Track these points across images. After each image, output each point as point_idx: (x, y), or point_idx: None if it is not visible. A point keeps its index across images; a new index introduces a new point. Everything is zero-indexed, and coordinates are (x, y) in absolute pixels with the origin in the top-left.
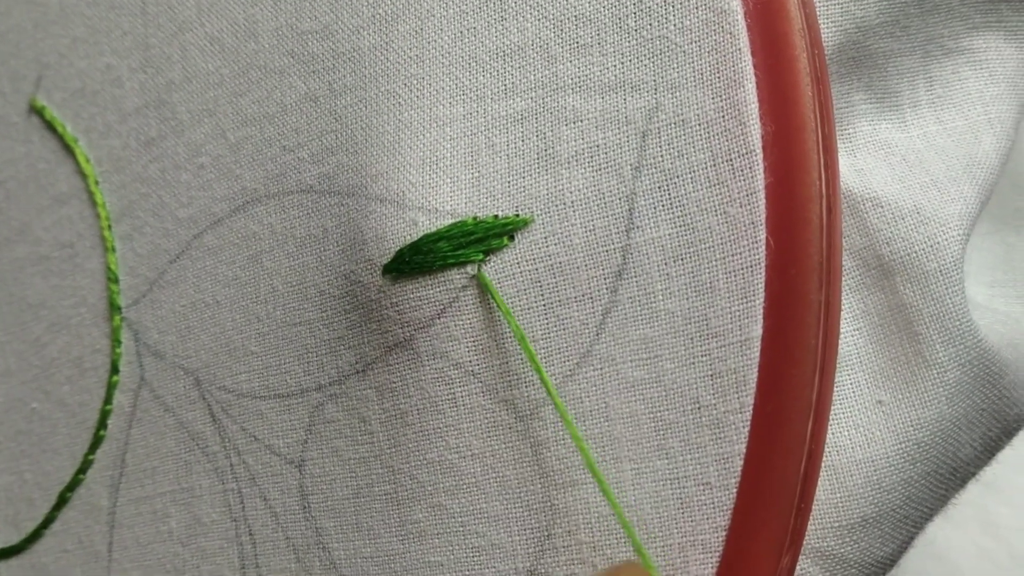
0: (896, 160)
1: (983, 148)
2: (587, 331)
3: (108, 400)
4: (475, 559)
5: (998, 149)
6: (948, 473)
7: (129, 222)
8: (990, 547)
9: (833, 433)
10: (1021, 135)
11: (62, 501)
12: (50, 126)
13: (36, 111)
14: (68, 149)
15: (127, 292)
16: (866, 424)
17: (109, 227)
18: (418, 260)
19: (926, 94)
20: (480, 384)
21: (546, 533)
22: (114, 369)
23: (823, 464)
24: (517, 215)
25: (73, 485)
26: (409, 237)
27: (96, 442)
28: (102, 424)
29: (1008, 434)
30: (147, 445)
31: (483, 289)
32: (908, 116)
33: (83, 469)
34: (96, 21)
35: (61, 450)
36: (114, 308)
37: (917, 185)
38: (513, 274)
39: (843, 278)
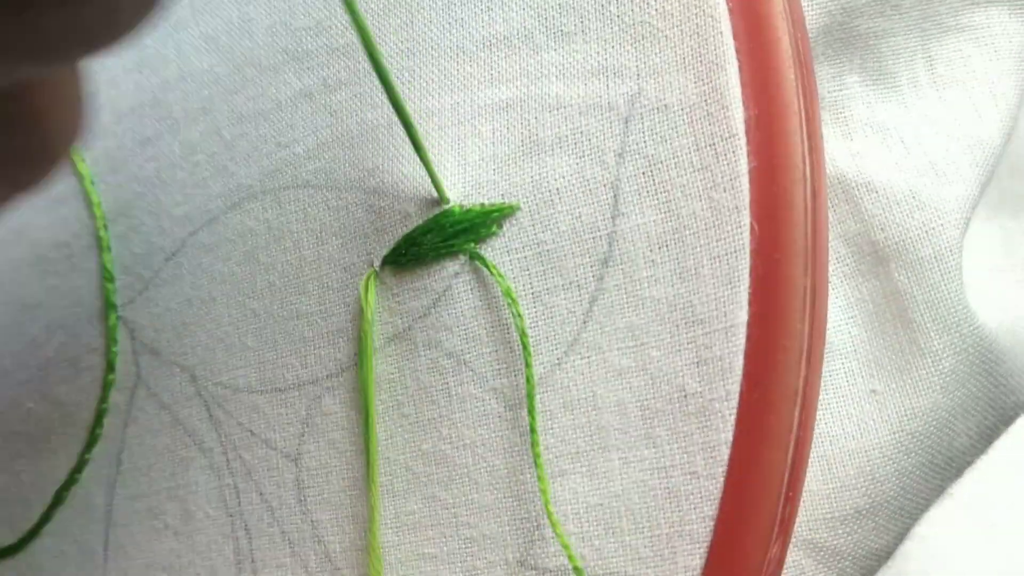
0: (894, 142)
1: (986, 127)
2: (574, 319)
3: (104, 399)
4: (467, 550)
5: (1001, 128)
6: (943, 463)
7: (125, 221)
8: (987, 547)
9: (826, 423)
10: (1019, 121)
11: (58, 500)
12: None
13: None
14: None
15: (123, 291)
16: (859, 414)
17: (105, 226)
18: (413, 252)
19: (926, 73)
20: (471, 373)
21: (535, 524)
22: (110, 368)
23: (815, 454)
24: (503, 203)
25: (69, 484)
26: (403, 229)
27: (92, 441)
28: (98, 423)
29: (1005, 423)
30: (143, 443)
31: (476, 277)
32: (908, 96)
33: (79, 468)
34: None
35: (57, 449)
36: (110, 307)
37: (914, 169)
38: (502, 262)
39: (837, 265)
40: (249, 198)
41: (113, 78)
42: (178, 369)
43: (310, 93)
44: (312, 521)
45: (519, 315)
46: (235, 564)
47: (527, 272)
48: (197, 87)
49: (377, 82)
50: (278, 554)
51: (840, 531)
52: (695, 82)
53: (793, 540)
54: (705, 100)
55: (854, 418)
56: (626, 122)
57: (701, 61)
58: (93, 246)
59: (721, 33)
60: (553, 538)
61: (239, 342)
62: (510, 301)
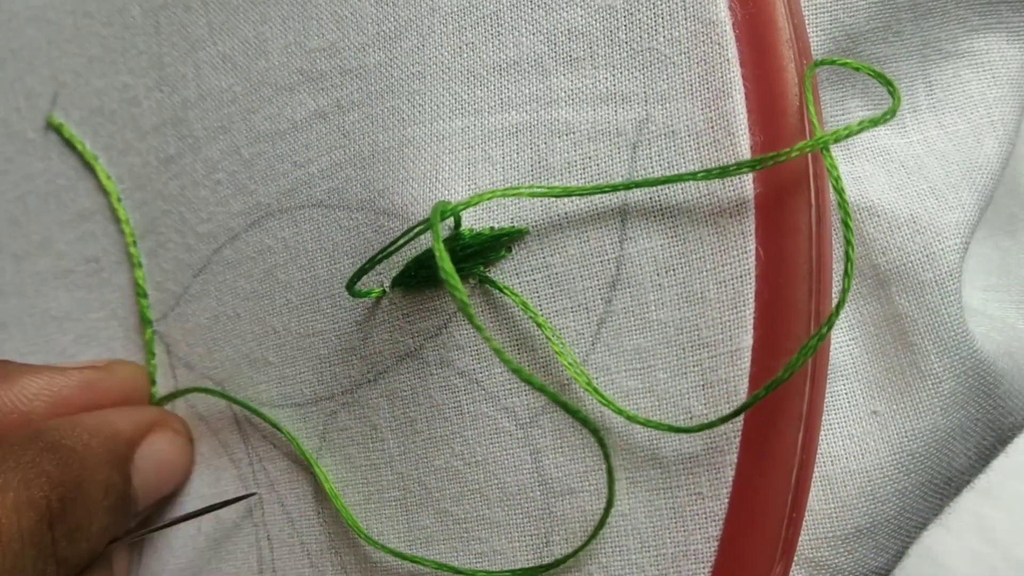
0: (894, 167)
1: (985, 151)
2: (583, 341)
3: None
4: (477, 564)
5: (1000, 152)
6: (942, 483)
7: (154, 238)
8: (986, 552)
9: (827, 443)
10: (1018, 141)
11: None
12: (69, 143)
13: (54, 128)
14: (88, 166)
15: (156, 306)
16: (860, 434)
17: (135, 243)
18: (423, 274)
19: (926, 98)
20: (483, 392)
21: (544, 540)
22: (150, 380)
23: (817, 474)
24: (513, 226)
25: None
26: (413, 250)
27: None
28: None
29: (1003, 443)
30: None
31: (486, 299)
32: (908, 121)
33: None
34: (111, 40)
35: None
36: (145, 322)
37: (914, 193)
38: (512, 285)
39: (838, 288)
40: (267, 216)
41: (135, 96)
42: (211, 383)
43: (324, 114)
44: (329, 533)
45: (543, 324)
46: (258, 572)
47: (536, 294)
48: (216, 106)
49: (388, 103)
50: (297, 564)
51: (841, 550)
52: (702, 108)
53: (795, 558)
54: (712, 126)
55: (855, 438)
56: (634, 148)
57: (708, 88)
58: (123, 262)
59: (728, 60)
60: (563, 554)
61: (262, 358)
62: (529, 312)
